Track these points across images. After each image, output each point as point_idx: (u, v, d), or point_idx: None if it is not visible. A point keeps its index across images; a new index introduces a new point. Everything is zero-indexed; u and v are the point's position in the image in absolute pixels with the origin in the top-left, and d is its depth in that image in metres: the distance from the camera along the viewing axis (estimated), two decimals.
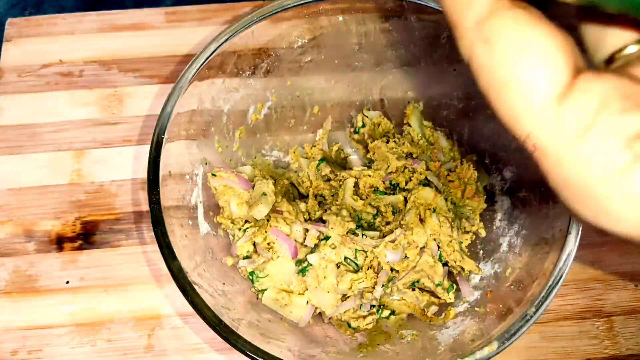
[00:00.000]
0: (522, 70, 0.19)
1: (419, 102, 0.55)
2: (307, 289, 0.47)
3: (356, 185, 0.52)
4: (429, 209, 0.48)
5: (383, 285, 0.46)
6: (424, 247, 0.47)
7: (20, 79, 0.61)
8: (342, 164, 0.57)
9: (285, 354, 0.40)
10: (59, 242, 0.54)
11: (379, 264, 0.47)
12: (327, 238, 0.47)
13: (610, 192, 0.19)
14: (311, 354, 0.43)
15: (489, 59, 0.19)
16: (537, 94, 0.19)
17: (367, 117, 0.56)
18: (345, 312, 0.48)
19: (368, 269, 0.47)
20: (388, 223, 0.50)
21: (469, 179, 0.52)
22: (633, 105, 0.19)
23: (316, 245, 0.47)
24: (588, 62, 0.22)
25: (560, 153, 0.19)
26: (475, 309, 0.46)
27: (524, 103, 0.19)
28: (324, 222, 0.49)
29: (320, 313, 0.48)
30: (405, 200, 0.51)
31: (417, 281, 0.48)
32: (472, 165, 0.53)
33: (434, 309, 0.48)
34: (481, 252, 0.50)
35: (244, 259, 0.48)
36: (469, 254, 0.50)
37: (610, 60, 0.22)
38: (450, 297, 0.47)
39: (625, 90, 0.19)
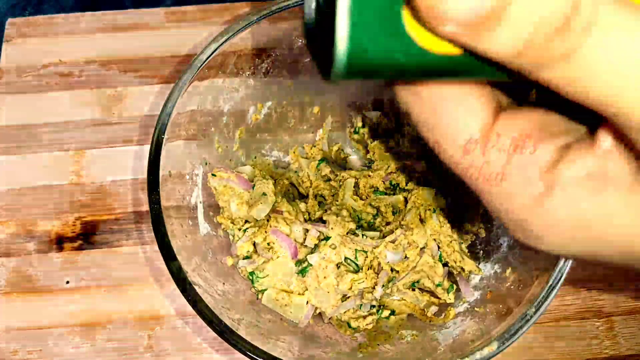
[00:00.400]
0: (445, 118, 0.21)
1: None
2: (307, 289, 0.47)
3: (356, 185, 0.52)
4: (429, 209, 0.48)
5: (383, 286, 0.46)
6: (424, 247, 0.47)
7: (20, 79, 0.61)
8: (342, 164, 0.57)
9: (285, 354, 0.40)
10: (59, 242, 0.54)
11: (379, 264, 0.47)
12: (327, 238, 0.47)
13: (531, 220, 0.21)
14: (311, 354, 0.43)
15: (419, 109, 0.21)
16: (461, 138, 0.21)
17: (367, 117, 0.56)
18: (345, 312, 0.48)
19: (368, 269, 0.47)
20: (388, 223, 0.50)
21: None
22: (546, 135, 0.21)
23: (316, 246, 0.47)
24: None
25: (488, 188, 0.22)
26: (475, 309, 0.46)
27: (453, 148, 0.21)
28: (324, 222, 0.49)
29: (320, 313, 0.48)
30: (406, 200, 0.51)
31: (417, 281, 0.48)
32: None
33: (433, 309, 0.48)
34: (481, 252, 0.50)
35: (244, 259, 0.48)
36: (469, 254, 0.50)
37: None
38: (450, 298, 0.47)
39: (540, 122, 0.21)
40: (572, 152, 0.20)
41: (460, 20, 0.17)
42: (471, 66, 0.19)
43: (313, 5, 0.20)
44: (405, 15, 0.17)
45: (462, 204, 0.52)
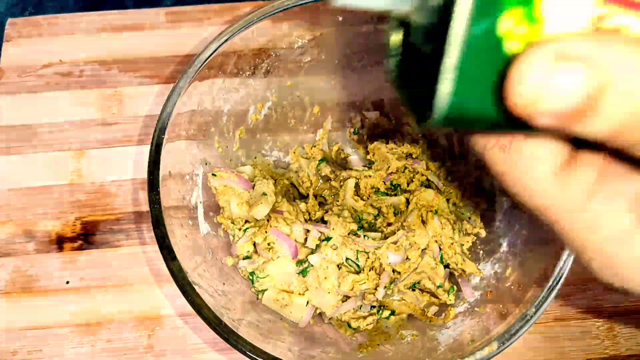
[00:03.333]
0: (526, 149, 0.21)
1: None
2: (307, 290, 0.47)
3: (357, 185, 0.52)
4: (431, 211, 0.48)
5: (385, 287, 0.46)
6: (425, 249, 0.47)
7: (20, 79, 0.61)
8: (342, 164, 0.57)
9: (285, 354, 0.40)
10: (59, 242, 0.54)
11: (380, 265, 0.47)
12: (328, 239, 0.47)
13: (617, 254, 0.20)
14: (311, 354, 0.43)
15: (503, 158, 0.22)
16: (541, 168, 0.21)
17: (367, 117, 0.56)
18: (345, 312, 0.48)
19: (370, 270, 0.47)
20: (389, 224, 0.50)
21: (469, 179, 0.52)
22: (628, 170, 0.20)
23: (317, 246, 0.47)
24: None
25: (569, 219, 0.21)
26: (476, 309, 0.46)
27: (531, 179, 0.21)
28: (325, 222, 0.49)
29: (320, 313, 0.48)
30: (407, 201, 0.50)
31: (418, 282, 0.48)
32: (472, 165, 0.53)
33: (434, 309, 0.48)
34: (481, 252, 0.50)
35: (244, 259, 0.48)
36: (470, 256, 0.50)
37: None
38: (450, 299, 0.47)
39: (615, 160, 0.20)
40: None
41: (553, 115, 0.17)
42: None
43: (399, 40, 0.22)
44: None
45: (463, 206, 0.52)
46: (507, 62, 0.18)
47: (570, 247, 0.22)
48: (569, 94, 0.17)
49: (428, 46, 0.19)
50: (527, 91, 0.17)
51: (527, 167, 0.21)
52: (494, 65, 0.18)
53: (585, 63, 0.16)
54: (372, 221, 0.51)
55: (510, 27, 0.18)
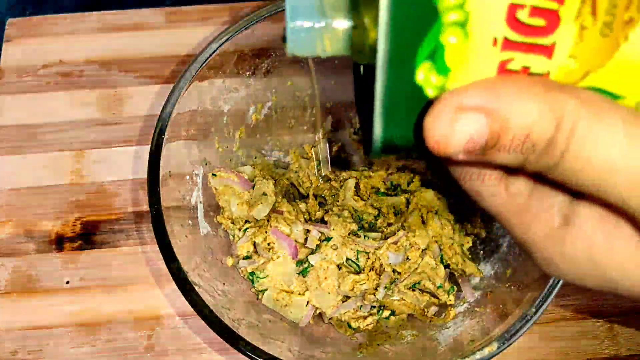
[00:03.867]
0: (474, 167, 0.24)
1: None
2: (307, 290, 0.47)
3: (357, 186, 0.52)
4: (431, 211, 0.48)
5: (385, 287, 0.46)
6: (425, 249, 0.47)
7: (20, 79, 0.61)
8: (343, 164, 0.57)
9: (285, 354, 0.40)
10: (59, 242, 0.54)
11: (380, 265, 0.47)
12: (328, 239, 0.47)
13: (551, 250, 0.23)
14: (311, 354, 0.43)
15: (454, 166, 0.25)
16: (487, 183, 0.24)
17: None
18: (345, 312, 0.48)
19: (370, 270, 0.47)
20: (390, 224, 0.50)
21: None
22: (556, 187, 0.23)
23: (317, 246, 0.47)
24: None
25: (513, 218, 0.24)
26: (476, 309, 0.46)
27: (481, 185, 0.25)
28: (325, 222, 0.49)
29: (320, 313, 0.48)
30: (407, 201, 0.50)
31: (418, 282, 0.48)
32: None
33: (434, 309, 0.48)
34: (481, 252, 0.50)
35: (244, 259, 0.48)
36: (470, 256, 0.50)
37: None
38: (450, 299, 0.47)
39: None
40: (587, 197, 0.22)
41: (463, 154, 0.21)
42: None
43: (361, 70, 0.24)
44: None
45: (463, 205, 0.52)
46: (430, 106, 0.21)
47: (519, 245, 0.25)
48: (470, 138, 0.20)
49: (371, 86, 0.22)
50: (437, 137, 0.20)
51: (477, 175, 0.24)
52: (419, 109, 0.21)
53: (480, 111, 0.20)
54: (372, 221, 0.51)
55: (424, 78, 0.21)
